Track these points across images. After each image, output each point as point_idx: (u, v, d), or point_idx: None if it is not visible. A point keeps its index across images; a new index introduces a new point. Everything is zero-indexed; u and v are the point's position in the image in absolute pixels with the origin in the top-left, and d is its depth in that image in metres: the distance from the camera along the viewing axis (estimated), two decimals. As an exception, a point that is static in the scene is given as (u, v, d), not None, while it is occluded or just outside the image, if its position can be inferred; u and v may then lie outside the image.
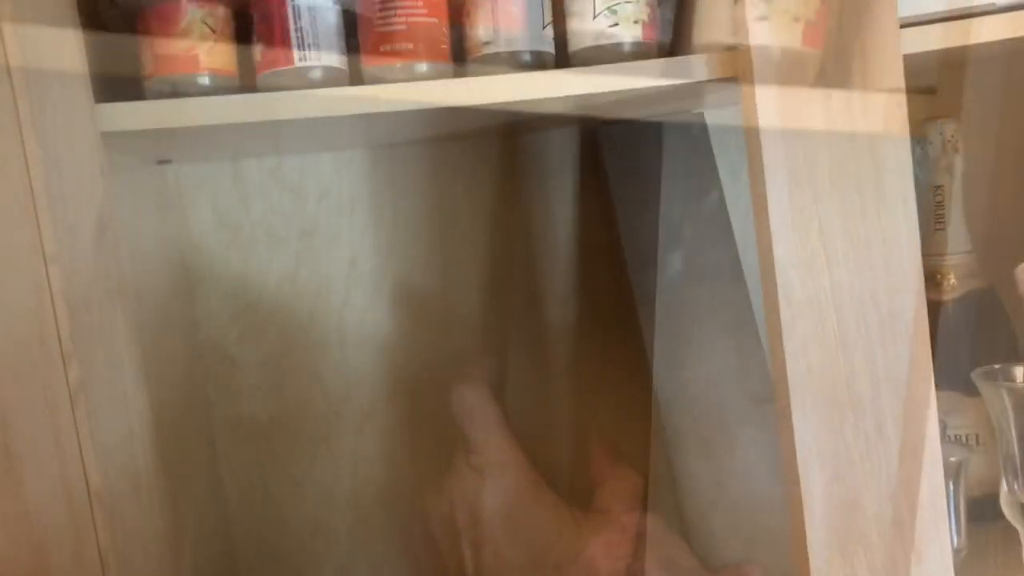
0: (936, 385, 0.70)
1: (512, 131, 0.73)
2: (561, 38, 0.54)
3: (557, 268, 0.76)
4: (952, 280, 0.72)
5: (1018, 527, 0.57)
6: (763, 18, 0.46)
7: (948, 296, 0.72)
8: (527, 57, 0.53)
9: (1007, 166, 0.84)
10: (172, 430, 0.53)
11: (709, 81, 0.49)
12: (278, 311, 0.72)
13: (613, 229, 0.74)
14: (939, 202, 0.72)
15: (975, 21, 0.50)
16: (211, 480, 0.69)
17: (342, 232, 0.72)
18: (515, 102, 0.49)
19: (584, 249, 0.77)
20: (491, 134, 0.73)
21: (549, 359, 0.77)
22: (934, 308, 0.72)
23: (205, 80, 0.51)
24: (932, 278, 0.73)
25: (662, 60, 0.50)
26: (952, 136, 0.71)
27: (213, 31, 0.51)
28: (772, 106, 0.46)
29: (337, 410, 0.73)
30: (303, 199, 0.72)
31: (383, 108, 0.50)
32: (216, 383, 0.71)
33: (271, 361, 0.72)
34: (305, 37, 0.51)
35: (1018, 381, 0.56)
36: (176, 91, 0.50)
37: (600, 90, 0.49)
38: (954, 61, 0.80)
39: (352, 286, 0.73)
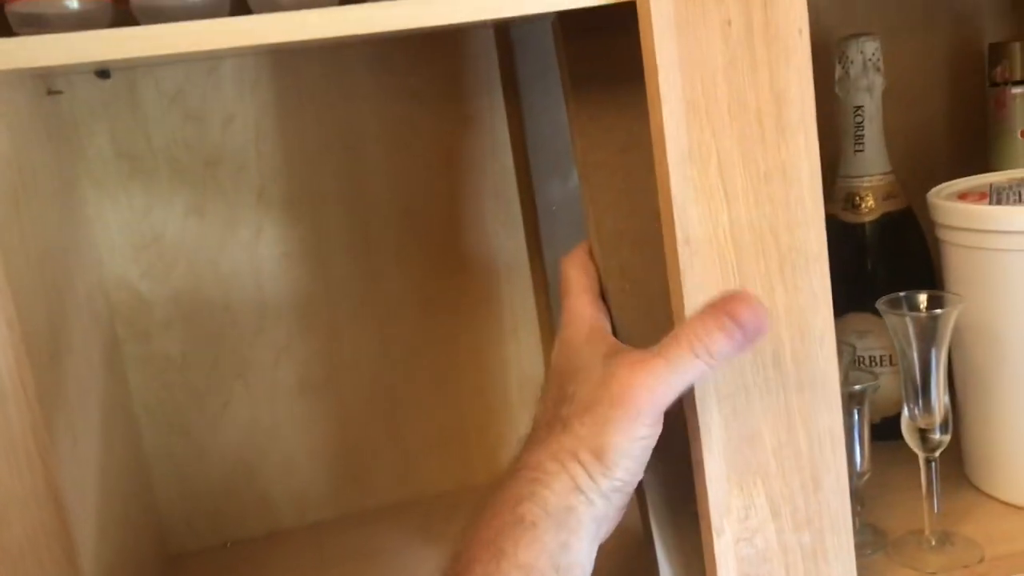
0: (852, 307, 0.71)
1: (425, 38, 0.71)
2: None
3: (477, 186, 0.75)
4: (870, 202, 0.72)
5: (916, 450, 0.58)
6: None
7: (866, 218, 0.72)
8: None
9: (927, 85, 0.83)
10: (64, 380, 0.51)
11: (605, 5, 0.46)
12: (185, 244, 0.70)
13: (521, 136, 0.73)
14: (859, 123, 0.71)
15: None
16: (124, 419, 0.68)
17: (250, 161, 0.70)
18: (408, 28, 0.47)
19: (500, 162, 0.75)
20: (401, 43, 0.71)
21: (469, 275, 0.76)
22: (852, 230, 0.73)
23: (74, 5, 0.47)
24: (851, 200, 0.73)
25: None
26: (873, 55, 0.70)
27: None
28: (668, 34, 0.45)
29: (252, 343, 0.72)
30: (207, 127, 0.69)
31: (271, 40, 0.47)
32: (124, 320, 0.69)
33: (181, 296, 0.70)
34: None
35: (922, 309, 0.56)
36: (42, 20, 0.47)
37: (494, 16, 0.47)
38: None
39: (262, 216, 0.71)
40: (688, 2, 0.45)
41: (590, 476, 0.45)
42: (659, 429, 0.46)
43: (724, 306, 0.45)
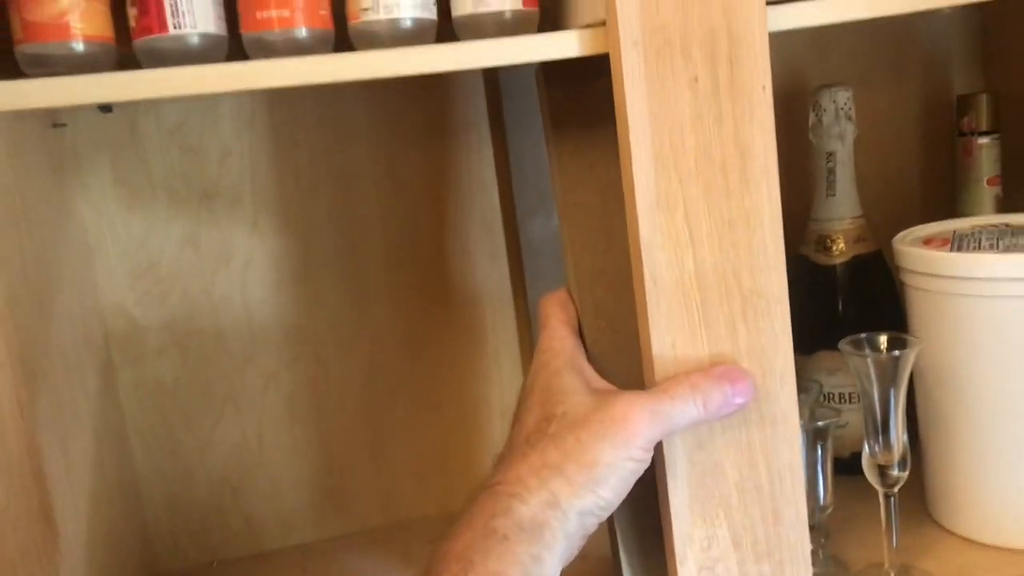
0: (822, 345, 0.74)
1: (416, 79, 0.74)
2: (444, 2, 0.55)
3: (463, 222, 0.78)
4: (841, 244, 0.75)
5: (876, 486, 0.60)
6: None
7: (837, 260, 0.75)
8: (408, 24, 0.53)
9: (899, 133, 0.87)
10: (60, 402, 0.54)
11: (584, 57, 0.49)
12: (180, 273, 0.72)
13: (506, 175, 0.76)
14: (831, 168, 0.74)
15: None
16: (116, 442, 0.70)
17: (244, 194, 0.73)
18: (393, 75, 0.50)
19: (486, 199, 0.78)
20: (392, 83, 0.73)
21: (454, 307, 0.79)
22: (823, 271, 0.75)
23: (79, 47, 0.50)
24: (823, 242, 0.75)
25: (537, 36, 0.50)
26: (844, 104, 0.73)
27: (88, -2, 0.50)
28: (638, 90, 0.48)
29: (242, 370, 0.75)
30: (205, 161, 0.72)
31: (262, 85, 0.50)
32: (119, 344, 0.72)
33: (175, 323, 0.73)
34: (180, 3, 0.51)
35: (882, 349, 0.59)
36: (49, 60, 0.49)
37: (474, 66, 0.50)
38: (850, 28, 0.82)
39: (255, 247, 0.74)
40: (658, 60, 0.48)
41: (573, 491, 0.46)
42: (648, 461, 0.48)
43: (726, 371, 0.50)
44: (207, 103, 0.71)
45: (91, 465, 0.60)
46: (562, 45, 0.50)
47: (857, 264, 0.74)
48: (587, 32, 0.49)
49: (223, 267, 0.73)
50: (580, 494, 0.47)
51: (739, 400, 0.50)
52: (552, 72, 0.60)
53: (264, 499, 0.77)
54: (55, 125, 0.68)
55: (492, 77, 0.76)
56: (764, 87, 0.49)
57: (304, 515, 0.78)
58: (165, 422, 0.74)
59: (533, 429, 0.50)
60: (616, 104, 0.49)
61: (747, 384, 0.50)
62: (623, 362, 0.55)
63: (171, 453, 0.74)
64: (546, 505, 0.46)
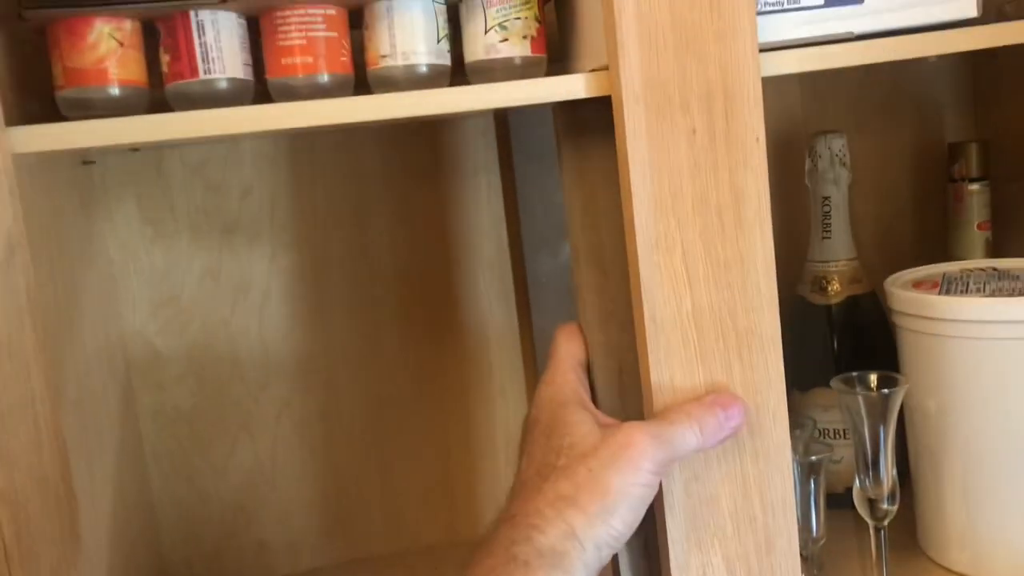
0: (817, 382, 0.76)
1: (429, 121, 0.77)
2: (457, 50, 0.58)
3: (474, 258, 0.81)
4: (836, 285, 0.77)
5: (866, 519, 0.63)
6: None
7: (832, 300, 0.77)
8: (423, 69, 0.56)
9: (894, 178, 0.90)
10: (86, 426, 0.56)
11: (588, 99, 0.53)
12: (200, 304, 0.75)
13: (515, 213, 0.79)
14: (826, 212, 0.77)
15: (834, 47, 0.55)
16: (134, 466, 0.73)
17: (263, 229, 0.76)
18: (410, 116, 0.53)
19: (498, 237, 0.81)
20: (405, 124, 0.77)
21: (462, 340, 0.81)
22: (819, 310, 0.78)
23: (115, 91, 0.53)
24: (819, 283, 0.78)
25: (544, 80, 0.53)
26: (839, 151, 0.76)
27: (121, 44, 0.54)
28: (639, 141, 0.51)
29: (257, 398, 0.77)
30: (226, 197, 0.75)
31: (287, 125, 0.53)
32: (139, 372, 0.75)
33: (194, 352, 0.76)
34: (210, 51, 0.54)
35: (872, 388, 0.62)
36: (87, 103, 0.53)
37: (486, 106, 0.53)
38: (850, 75, 0.85)
39: (272, 280, 0.77)
40: (659, 113, 0.51)
41: (588, 521, 0.48)
42: (655, 487, 0.50)
43: (716, 398, 0.52)
44: (229, 143, 0.75)
45: (112, 488, 0.63)
46: (569, 87, 0.53)
47: (852, 304, 0.77)
48: (592, 75, 0.53)
49: (241, 298, 0.76)
50: (594, 524, 0.48)
51: (732, 423, 0.52)
52: (570, 121, 0.63)
53: (276, 524, 0.79)
54: (84, 162, 0.71)
55: (503, 118, 0.79)
56: (758, 138, 0.52)
57: (314, 540, 0.80)
58: (181, 447, 0.77)
59: (542, 462, 0.52)
60: (618, 152, 0.52)
61: (738, 408, 0.52)
62: (632, 403, 0.57)
63: (187, 478, 0.77)
64: (564, 536, 0.48)
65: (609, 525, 0.49)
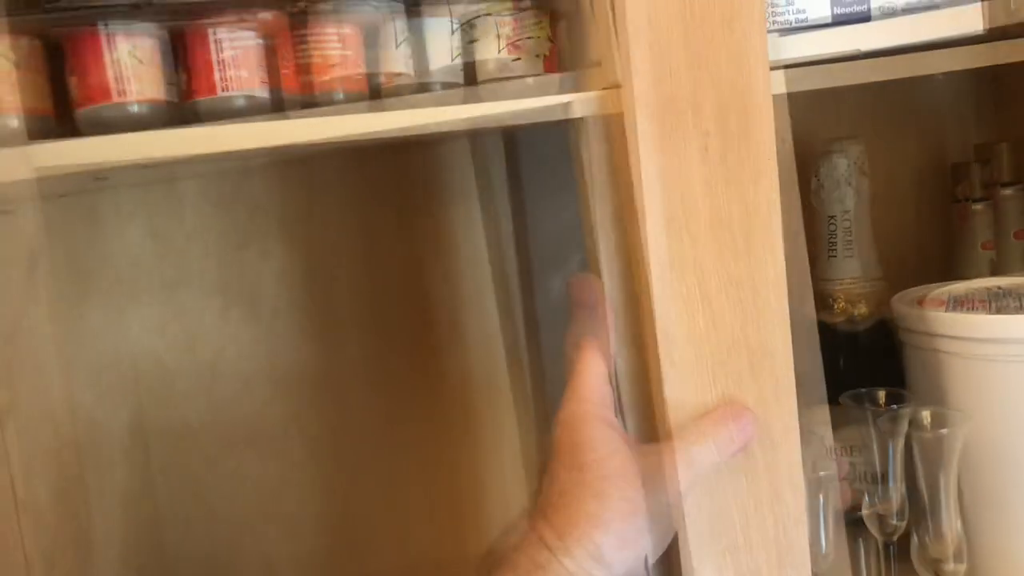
0: (825, 399, 0.76)
1: (437, 139, 0.78)
2: (471, 68, 0.59)
3: (482, 274, 0.81)
4: (842, 303, 0.78)
5: (875, 535, 0.63)
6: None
7: (839, 318, 0.78)
8: (437, 88, 0.57)
9: (900, 198, 0.90)
10: (95, 441, 0.57)
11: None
12: (209, 320, 0.76)
13: (524, 230, 0.79)
14: (832, 231, 0.77)
15: (841, 64, 0.56)
16: (144, 480, 0.73)
17: (273, 248, 0.76)
18: (423, 133, 0.53)
19: (502, 255, 0.82)
20: (415, 143, 0.78)
21: (471, 359, 0.82)
22: (826, 328, 0.78)
23: (135, 109, 0.54)
24: (825, 301, 0.79)
25: (558, 96, 0.54)
26: (845, 171, 0.76)
27: (141, 62, 0.54)
28: (652, 155, 0.51)
29: (264, 414, 0.78)
30: (237, 215, 0.76)
31: (305, 139, 0.53)
32: (148, 388, 0.75)
33: (202, 368, 0.76)
34: (227, 68, 0.55)
35: (881, 404, 0.62)
36: (107, 121, 0.53)
37: (500, 123, 0.54)
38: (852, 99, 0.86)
39: (280, 298, 0.77)
40: (671, 132, 0.51)
41: (616, 544, 0.49)
42: (681, 507, 0.51)
43: (726, 411, 0.53)
44: (239, 161, 0.75)
45: (120, 501, 0.63)
46: (581, 105, 0.54)
47: (859, 321, 0.78)
48: (604, 94, 0.53)
49: (250, 315, 0.76)
50: (621, 546, 0.49)
51: (744, 435, 0.53)
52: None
53: (283, 541, 0.79)
54: (96, 178, 0.72)
55: (511, 138, 0.80)
56: (769, 157, 0.53)
57: (321, 557, 0.80)
58: (189, 463, 0.77)
59: (566, 480, 0.51)
60: (631, 167, 0.53)
61: (748, 418, 0.53)
62: (652, 426, 0.56)
63: (194, 494, 0.77)
64: (591, 558, 0.48)
65: (638, 546, 0.49)
